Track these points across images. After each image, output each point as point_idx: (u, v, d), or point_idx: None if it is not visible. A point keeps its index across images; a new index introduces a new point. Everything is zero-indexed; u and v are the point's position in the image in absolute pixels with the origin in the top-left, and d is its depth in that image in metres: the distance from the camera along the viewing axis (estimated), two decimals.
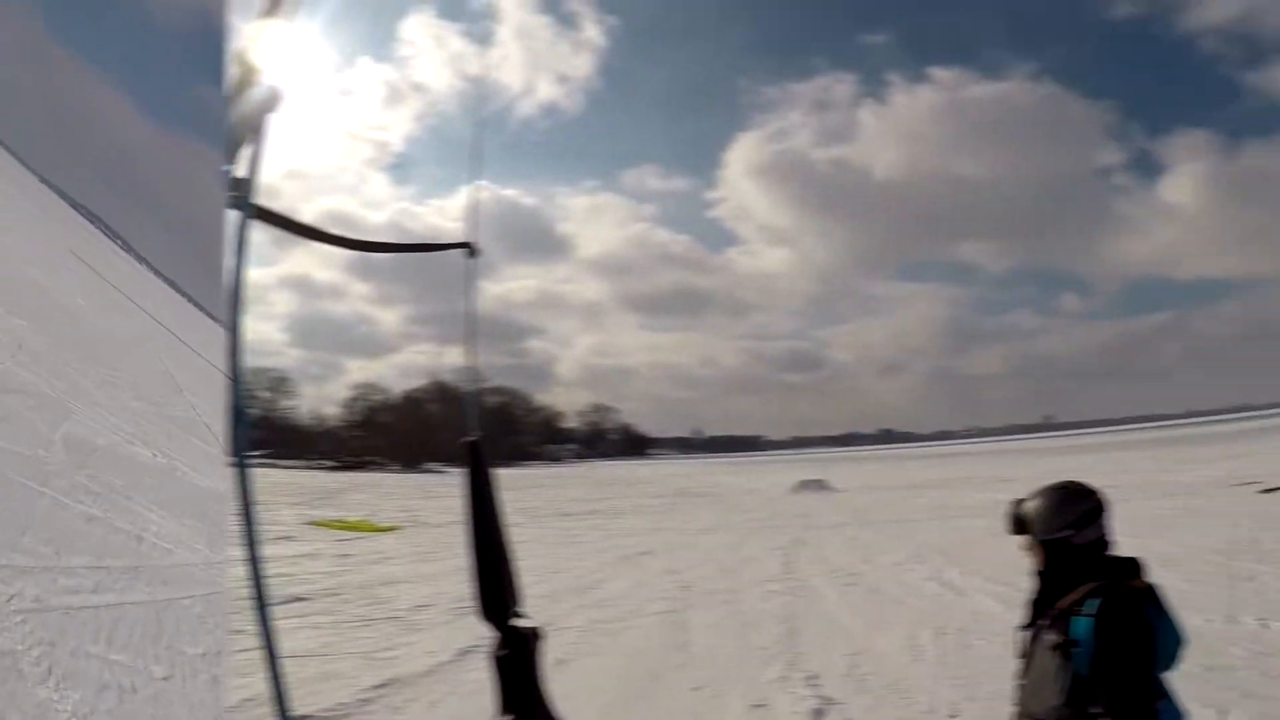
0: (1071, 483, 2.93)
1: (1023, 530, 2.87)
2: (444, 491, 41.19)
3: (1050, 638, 2.72)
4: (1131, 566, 2.78)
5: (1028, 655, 2.88)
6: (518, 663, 1.58)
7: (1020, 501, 2.91)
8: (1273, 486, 19.59)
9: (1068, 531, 2.80)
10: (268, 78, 1.58)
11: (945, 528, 18.83)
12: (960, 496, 27.28)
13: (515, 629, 1.61)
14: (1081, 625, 2.63)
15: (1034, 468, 39.79)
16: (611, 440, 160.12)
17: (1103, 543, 2.82)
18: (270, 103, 1.56)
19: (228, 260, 1.50)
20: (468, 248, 1.93)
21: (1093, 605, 2.63)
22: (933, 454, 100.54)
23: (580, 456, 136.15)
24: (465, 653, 9.53)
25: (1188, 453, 41.76)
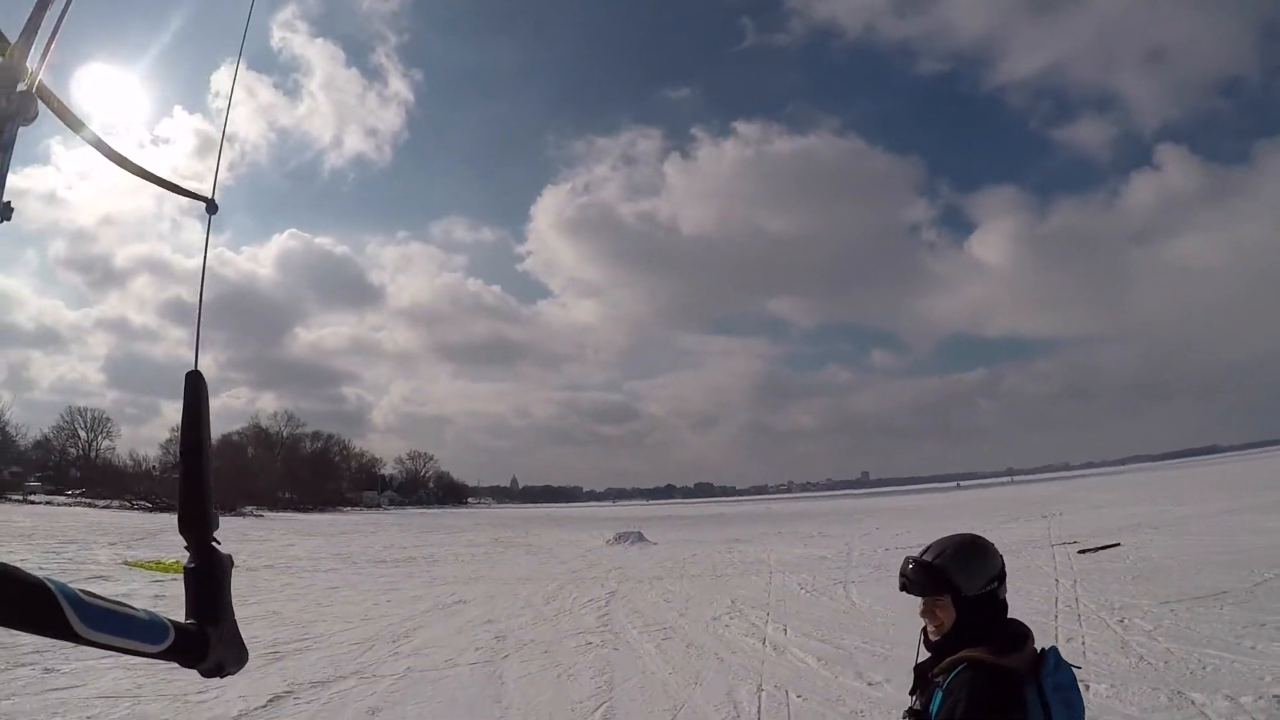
0: (976, 536, 2.91)
1: (935, 588, 2.73)
2: (259, 535, 40.21)
3: (912, 706, 2.73)
4: (1020, 637, 2.68)
5: None
6: (208, 577, 1.71)
7: (926, 556, 2.79)
8: (1090, 547, 21.24)
9: (994, 585, 2.74)
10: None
11: (763, 583, 19.43)
12: (778, 551, 28.19)
13: (211, 550, 1.72)
14: (937, 697, 2.60)
15: (852, 524, 41.77)
16: (429, 488, 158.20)
17: (1004, 603, 2.78)
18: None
19: None
20: (209, 202, 2.01)
21: (950, 678, 2.60)
22: (750, 508, 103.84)
23: (398, 503, 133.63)
24: (277, 699, 9.50)
25: (1007, 511, 44.58)
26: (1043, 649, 2.70)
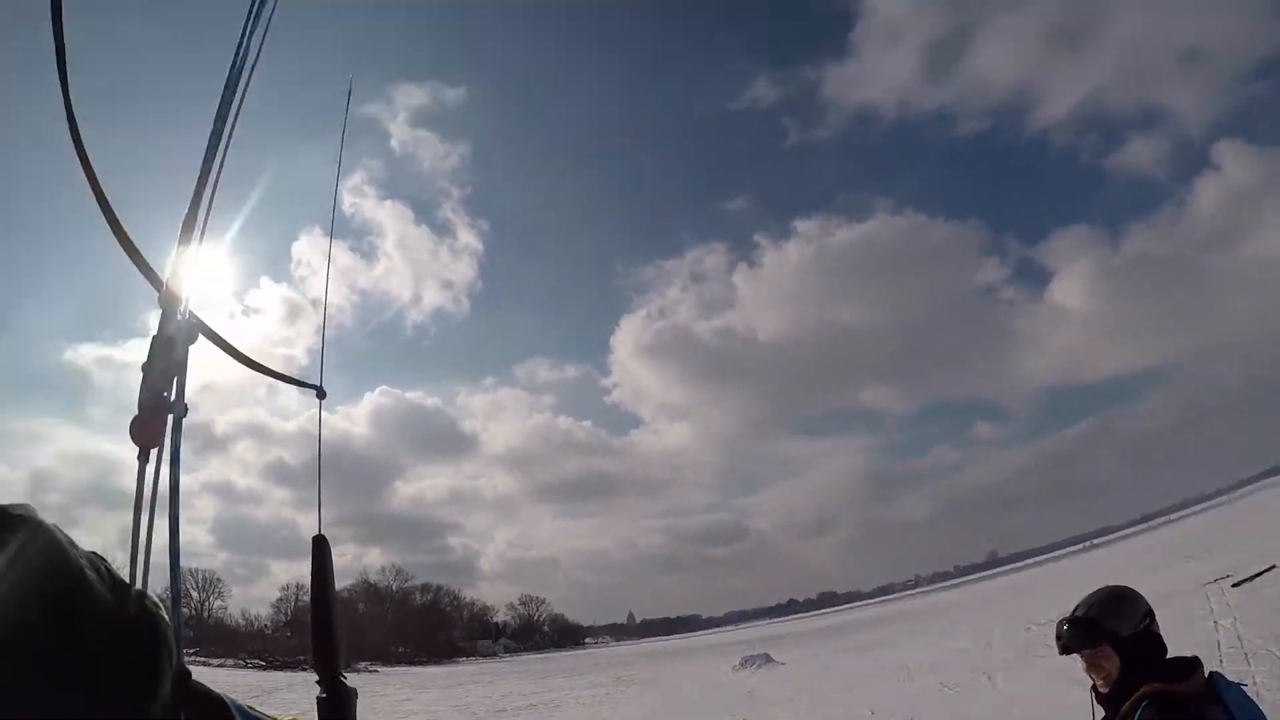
0: (1116, 584, 3.09)
1: (1093, 639, 2.84)
2: (374, 689, 39.94)
3: None
4: (1188, 666, 2.82)
5: None
6: (336, 707, 1.89)
7: (1077, 612, 2.94)
8: (1244, 578, 19.80)
9: (1147, 621, 2.88)
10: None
11: (900, 688, 18.34)
12: (913, 651, 26.83)
13: (339, 683, 1.91)
14: None
15: (987, 608, 39.69)
16: (544, 631, 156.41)
17: (1161, 638, 2.90)
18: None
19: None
20: (318, 390, 2.20)
21: (1140, 713, 2.66)
22: (878, 610, 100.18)
23: (513, 650, 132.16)
24: None
25: (1147, 561, 42.12)
26: (1210, 673, 2.80)
